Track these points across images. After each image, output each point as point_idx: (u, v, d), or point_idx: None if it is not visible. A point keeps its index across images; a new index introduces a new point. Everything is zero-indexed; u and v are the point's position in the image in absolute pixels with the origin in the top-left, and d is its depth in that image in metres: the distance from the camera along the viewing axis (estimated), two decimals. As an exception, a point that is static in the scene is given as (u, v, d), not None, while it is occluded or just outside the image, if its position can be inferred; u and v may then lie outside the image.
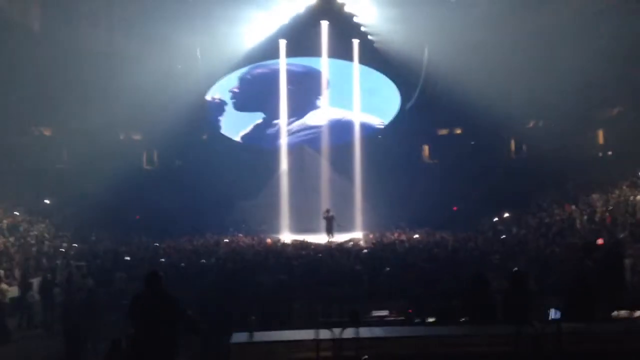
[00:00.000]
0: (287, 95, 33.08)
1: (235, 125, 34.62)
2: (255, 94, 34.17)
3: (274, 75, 33.18)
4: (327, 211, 25.32)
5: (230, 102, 34.43)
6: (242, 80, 34.31)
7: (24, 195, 25.65)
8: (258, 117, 34.60)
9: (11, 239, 20.30)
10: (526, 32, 27.64)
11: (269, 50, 32.30)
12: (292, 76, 33.57)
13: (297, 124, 34.42)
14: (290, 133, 34.02)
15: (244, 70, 33.88)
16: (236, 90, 34.34)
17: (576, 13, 26.14)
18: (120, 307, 8.63)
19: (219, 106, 34.35)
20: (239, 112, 34.59)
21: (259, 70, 34.20)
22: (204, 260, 16.32)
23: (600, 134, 30.10)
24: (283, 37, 31.95)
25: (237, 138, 34.52)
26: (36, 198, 26.17)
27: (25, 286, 13.75)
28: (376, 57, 32.79)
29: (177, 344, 6.76)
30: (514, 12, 28.19)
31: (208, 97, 33.89)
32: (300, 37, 31.66)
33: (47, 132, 30.62)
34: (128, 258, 17.44)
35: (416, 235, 23.74)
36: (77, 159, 29.07)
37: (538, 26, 27.45)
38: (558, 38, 26.20)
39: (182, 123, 29.38)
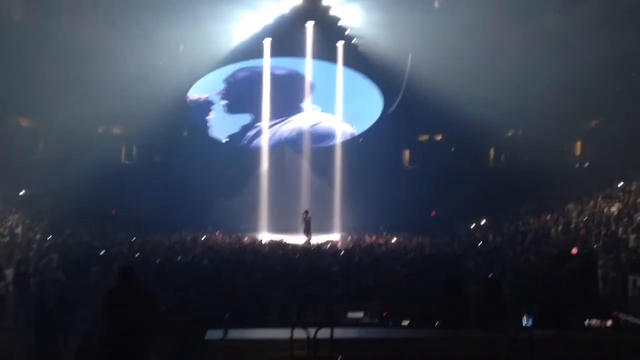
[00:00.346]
0: (270, 96, 33.00)
1: (223, 126, 34.43)
2: (243, 96, 34.00)
3: (259, 78, 33.11)
4: (306, 212, 25.29)
5: (219, 104, 34.23)
6: (230, 82, 34.16)
7: (-2, 186, 25.31)
8: (246, 119, 34.44)
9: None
10: (508, 41, 27.90)
11: (253, 49, 32.18)
12: (277, 78, 33.52)
13: (279, 125, 34.35)
14: (272, 134, 33.95)
15: (228, 69, 33.69)
16: (224, 92, 34.17)
17: (559, 24, 26.42)
18: (94, 301, 8.53)
19: (205, 106, 34.14)
20: (225, 114, 34.42)
21: (245, 73, 34.04)
22: (180, 257, 16.25)
23: (579, 145, 30.51)
24: (268, 36, 31.87)
25: (224, 138, 34.31)
26: (11, 189, 25.79)
27: (-5, 277, 13.53)
28: (360, 61, 32.83)
29: (151, 340, 6.71)
30: (497, 21, 28.41)
31: (193, 97, 33.68)
32: (285, 37, 31.57)
33: (24, 123, 30.22)
34: (103, 252, 17.28)
35: (394, 239, 23.82)
36: (55, 150, 28.71)
37: (521, 35, 27.70)
38: (540, 48, 26.54)
39: (162, 119, 29.10)
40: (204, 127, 34.16)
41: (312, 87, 33.78)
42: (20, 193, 26.19)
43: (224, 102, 34.16)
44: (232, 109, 34.35)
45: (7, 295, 13.07)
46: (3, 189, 25.42)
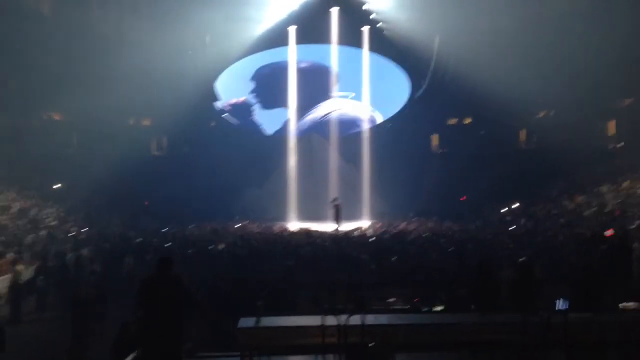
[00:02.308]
0: (296, 85, 33.04)
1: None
2: (274, 90, 34.15)
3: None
4: (335, 200, 25.29)
5: (254, 103, 34.50)
6: (259, 78, 34.34)
7: (33, 180, 25.80)
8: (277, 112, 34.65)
9: (21, 223, 20.45)
10: (539, 21, 27.36)
11: (278, 37, 32.18)
12: (303, 68, 33.58)
13: (307, 114, 34.39)
14: (300, 123, 33.99)
15: (253, 58, 33.76)
16: (257, 89, 34.43)
17: (591, 1, 25.83)
18: (128, 290, 8.69)
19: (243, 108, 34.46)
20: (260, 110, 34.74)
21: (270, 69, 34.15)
22: (211, 247, 16.41)
23: (612, 125, 29.90)
24: (293, 23, 31.81)
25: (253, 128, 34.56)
26: (45, 183, 26.31)
27: (36, 269, 13.85)
28: (386, 45, 32.60)
29: (185, 329, 6.81)
30: (526, 0, 27.93)
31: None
32: (310, 24, 31.48)
33: (56, 117, 30.73)
34: (140, 239, 17.60)
35: (424, 225, 23.72)
36: (87, 144, 29.20)
37: (551, 15, 27.18)
38: (571, 27, 25.94)
39: (190, 109, 29.40)
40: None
41: (338, 75, 33.63)
42: (55, 186, 26.67)
43: (259, 100, 34.39)
44: (264, 105, 34.53)
45: (46, 287, 13.39)
46: (38, 183, 25.93)
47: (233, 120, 34.24)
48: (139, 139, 30.29)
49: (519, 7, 27.92)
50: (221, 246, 16.33)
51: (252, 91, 34.48)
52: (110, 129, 27.91)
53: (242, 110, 34.46)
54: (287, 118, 33.74)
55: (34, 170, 25.75)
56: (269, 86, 34.12)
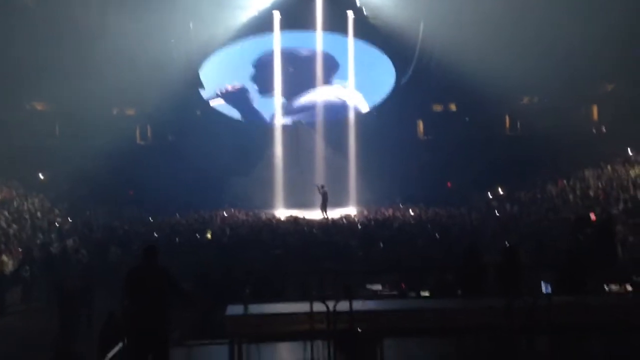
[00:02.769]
0: (282, 72, 32.95)
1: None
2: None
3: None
4: (322, 187, 25.30)
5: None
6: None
7: (17, 171, 25.57)
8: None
9: (5, 213, 20.27)
10: (522, 7, 27.39)
11: (263, 24, 31.97)
12: (290, 55, 33.54)
13: (292, 101, 34.34)
14: (285, 110, 33.90)
15: (239, 45, 33.55)
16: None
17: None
18: (115, 280, 8.66)
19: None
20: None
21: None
22: (198, 235, 16.40)
23: (595, 110, 30.14)
24: (277, 9, 31.61)
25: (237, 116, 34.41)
26: (30, 173, 26.08)
27: (21, 260, 13.76)
28: (371, 31, 32.50)
29: (172, 317, 6.81)
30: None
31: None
32: (295, 10, 31.31)
33: (40, 107, 30.41)
34: (126, 229, 17.51)
35: (410, 212, 23.82)
36: (70, 134, 28.93)
37: (535, 1, 27.21)
38: (554, 13, 26.03)
39: (175, 98, 29.19)
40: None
41: (323, 59, 33.55)
42: (39, 177, 26.46)
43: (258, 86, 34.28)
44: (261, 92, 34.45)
45: (31, 278, 13.31)
46: (22, 173, 25.70)
47: (226, 108, 34.00)
48: (123, 128, 30.06)
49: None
50: (208, 235, 16.32)
51: (251, 78, 34.34)
52: (94, 119, 27.66)
53: (238, 97, 34.28)
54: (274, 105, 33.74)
55: (17, 161, 25.49)
56: (265, 73, 33.99)
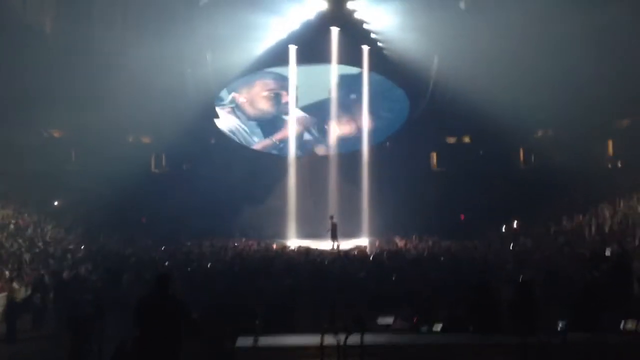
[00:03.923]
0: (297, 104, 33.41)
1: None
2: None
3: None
4: (332, 217, 25.24)
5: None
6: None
7: (32, 197, 25.78)
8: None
9: (19, 240, 20.40)
10: (536, 40, 27.52)
11: (279, 56, 32.34)
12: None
13: (306, 131, 34.59)
14: (299, 140, 34.11)
15: (254, 76, 34.00)
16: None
17: (588, 22, 26.02)
18: (126, 308, 8.64)
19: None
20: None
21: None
22: (210, 264, 16.38)
23: (610, 145, 29.97)
24: (293, 42, 31.98)
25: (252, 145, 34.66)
26: (45, 200, 26.27)
27: (33, 287, 13.79)
28: (386, 65, 32.76)
29: (182, 348, 6.77)
30: (523, 20, 28.11)
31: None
32: (311, 43, 31.67)
33: (56, 134, 30.77)
34: (138, 257, 17.55)
35: (423, 244, 23.68)
36: (86, 161, 29.19)
37: (548, 34, 27.32)
38: (569, 47, 26.11)
39: (190, 127, 29.47)
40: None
41: (339, 91, 33.87)
42: (54, 203, 26.64)
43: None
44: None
45: (44, 304, 13.32)
46: (36, 200, 25.90)
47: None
48: (138, 156, 30.26)
49: (517, 28, 28.11)
50: (220, 264, 16.29)
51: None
52: (109, 146, 27.94)
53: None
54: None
55: (32, 187, 25.73)
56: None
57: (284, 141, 33.82)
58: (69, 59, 26.04)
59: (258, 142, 34.45)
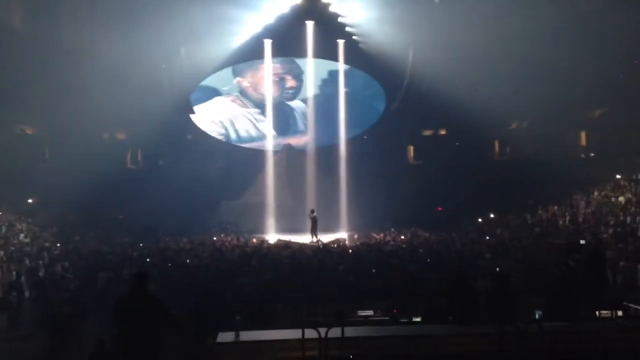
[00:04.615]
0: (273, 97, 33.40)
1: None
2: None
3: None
4: (312, 212, 25.27)
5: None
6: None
7: (6, 195, 25.36)
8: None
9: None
10: (510, 33, 27.78)
11: (254, 50, 32.23)
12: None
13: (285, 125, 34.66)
14: (276, 134, 34.11)
15: (230, 70, 33.91)
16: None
17: (561, 14, 26.35)
18: (104, 306, 8.58)
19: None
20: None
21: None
22: (188, 261, 16.29)
23: (584, 136, 30.41)
24: (268, 36, 31.88)
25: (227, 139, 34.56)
26: (19, 198, 25.87)
27: (8, 286, 13.61)
28: (361, 58, 32.84)
29: (162, 345, 6.74)
30: (498, 13, 28.37)
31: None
32: (286, 37, 31.61)
33: (29, 131, 30.27)
34: (115, 254, 17.38)
35: (401, 236, 23.82)
36: (61, 158, 28.76)
37: (522, 27, 27.61)
38: (542, 39, 26.41)
39: (166, 122, 29.23)
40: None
41: (314, 85, 33.97)
42: (28, 201, 26.24)
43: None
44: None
45: (20, 303, 13.15)
46: (11, 198, 25.49)
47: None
48: (113, 152, 29.99)
49: (491, 21, 28.37)
50: (198, 260, 16.22)
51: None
52: (84, 143, 27.55)
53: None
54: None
55: (6, 185, 25.30)
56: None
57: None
58: (41, 55, 25.59)
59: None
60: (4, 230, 21.95)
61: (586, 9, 25.47)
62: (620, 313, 8.24)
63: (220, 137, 34.42)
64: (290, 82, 34.70)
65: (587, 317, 7.97)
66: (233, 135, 34.75)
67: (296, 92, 35.04)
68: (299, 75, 34.77)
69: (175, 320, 7.21)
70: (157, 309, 6.68)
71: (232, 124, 34.67)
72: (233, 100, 34.65)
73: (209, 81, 34.03)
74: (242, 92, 34.70)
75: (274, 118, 33.69)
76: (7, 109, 26.24)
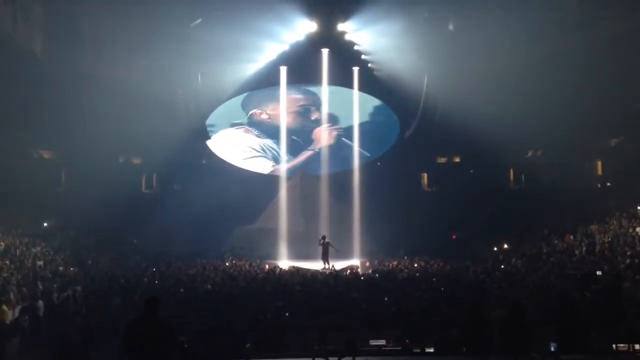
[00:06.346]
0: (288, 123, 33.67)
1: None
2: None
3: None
4: (323, 238, 25.15)
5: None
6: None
7: (22, 218, 25.54)
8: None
9: (7, 262, 20.15)
10: (525, 61, 27.84)
11: (270, 77, 32.53)
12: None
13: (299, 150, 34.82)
14: (290, 160, 34.23)
15: (245, 97, 34.22)
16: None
17: (577, 43, 26.37)
18: (115, 331, 8.55)
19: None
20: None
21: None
22: (200, 286, 16.26)
23: (599, 165, 30.19)
24: (284, 64, 32.19)
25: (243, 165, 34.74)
26: (35, 221, 26.04)
27: (22, 309, 13.61)
28: (376, 85, 33.04)
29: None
30: (512, 42, 28.46)
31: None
32: (301, 65, 31.91)
33: (46, 155, 30.61)
34: (128, 278, 17.39)
35: (415, 264, 23.62)
36: (76, 182, 29.05)
37: (538, 55, 27.66)
38: (557, 68, 26.41)
39: (182, 147, 29.46)
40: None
41: (329, 112, 34.15)
42: (44, 225, 26.41)
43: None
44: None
45: (33, 327, 13.13)
46: (27, 222, 25.68)
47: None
48: (129, 177, 30.21)
49: (507, 49, 28.46)
50: (210, 285, 16.19)
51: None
52: (100, 167, 27.80)
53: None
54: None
55: (22, 209, 25.50)
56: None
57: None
58: (60, 81, 26.00)
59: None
60: (18, 253, 22.06)
61: (602, 37, 25.47)
62: (637, 347, 8.06)
63: (234, 163, 34.53)
64: (315, 115, 34.83)
65: (603, 350, 7.81)
66: (248, 162, 34.84)
67: (319, 124, 35.11)
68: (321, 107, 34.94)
69: (185, 346, 7.17)
70: (167, 334, 6.64)
71: (247, 151, 34.77)
72: (246, 132, 34.80)
73: (223, 108, 34.25)
74: (256, 123, 34.86)
75: (288, 144, 33.86)
76: (25, 134, 26.65)
